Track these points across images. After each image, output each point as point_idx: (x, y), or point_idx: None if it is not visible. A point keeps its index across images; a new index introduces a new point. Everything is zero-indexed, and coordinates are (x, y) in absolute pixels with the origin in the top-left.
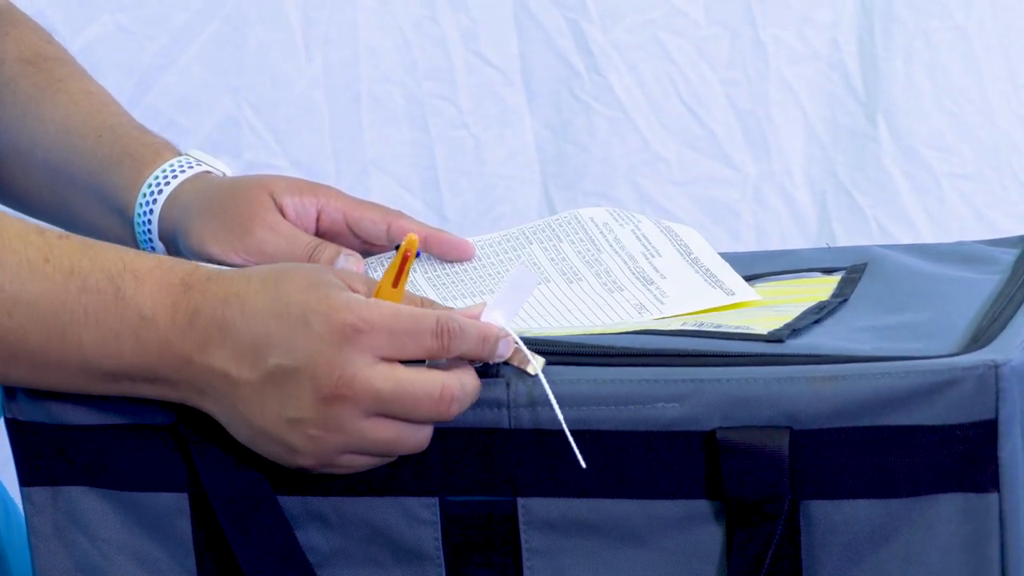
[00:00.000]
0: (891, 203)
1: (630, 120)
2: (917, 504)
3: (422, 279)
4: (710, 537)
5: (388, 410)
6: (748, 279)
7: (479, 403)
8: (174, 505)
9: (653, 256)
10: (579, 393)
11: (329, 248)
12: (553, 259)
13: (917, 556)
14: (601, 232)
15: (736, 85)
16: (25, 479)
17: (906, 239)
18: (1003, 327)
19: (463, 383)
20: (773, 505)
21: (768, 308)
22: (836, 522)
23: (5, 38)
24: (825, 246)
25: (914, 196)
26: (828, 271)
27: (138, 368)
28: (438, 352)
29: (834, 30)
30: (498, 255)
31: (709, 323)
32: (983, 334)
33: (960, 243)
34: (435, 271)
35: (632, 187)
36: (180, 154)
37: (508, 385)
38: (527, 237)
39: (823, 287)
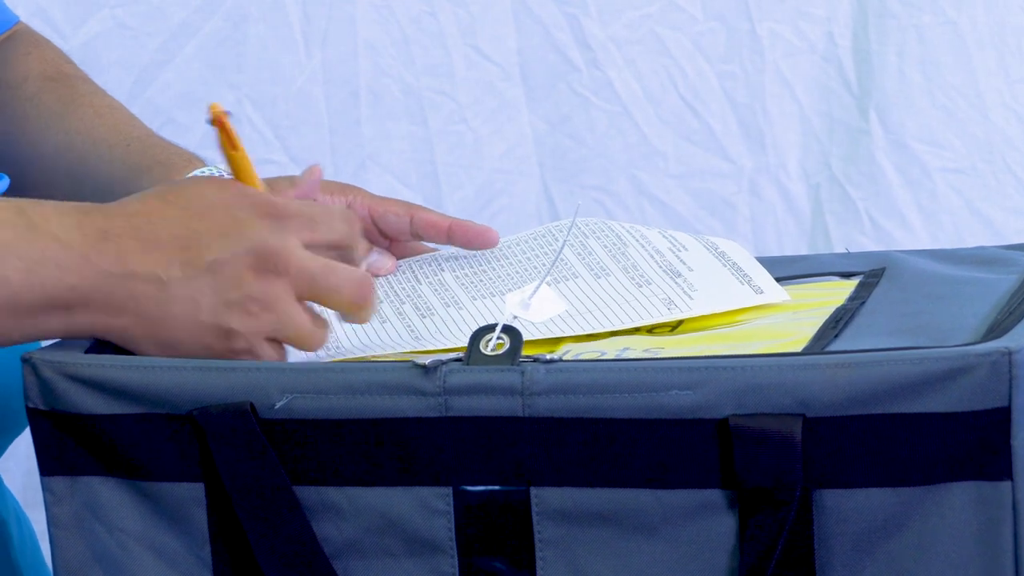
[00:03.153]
0: (883, 196)
1: (628, 114)
2: (930, 493)
3: (450, 278)
4: (723, 526)
5: (317, 290)
6: None
7: (493, 390)
8: (190, 495)
9: (680, 250)
10: (592, 381)
11: (363, 243)
12: (580, 254)
13: (930, 545)
14: (628, 231)
15: (732, 79)
16: (45, 469)
17: (898, 233)
18: (1019, 319)
19: (372, 280)
20: (785, 493)
21: (788, 316)
22: (848, 511)
23: (27, 57)
24: (844, 251)
25: (906, 190)
26: (846, 275)
27: (60, 293)
28: (347, 237)
29: (829, 24)
30: (524, 252)
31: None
32: (998, 326)
33: (980, 248)
34: (463, 269)
35: (630, 181)
36: (209, 165)
37: (523, 373)
38: (553, 235)
39: (841, 291)
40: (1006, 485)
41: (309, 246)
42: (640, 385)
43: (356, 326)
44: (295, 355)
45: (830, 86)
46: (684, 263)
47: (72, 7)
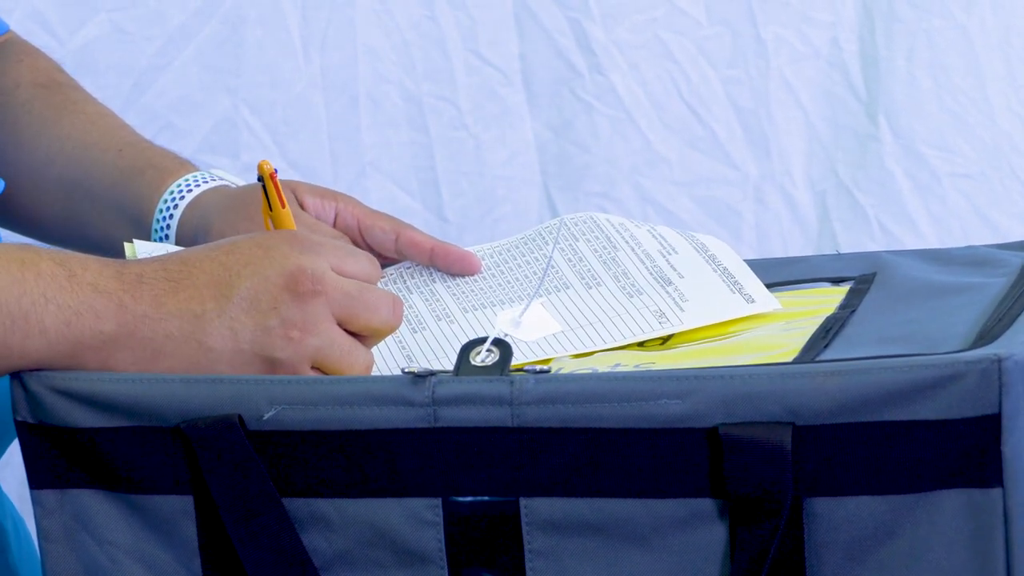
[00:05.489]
0: (892, 203)
1: (632, 120)
2: (921, 500)
3: (442, 288)
4: (714, 535)
5: (355, 308)
6: None
7: (482, 401)
8: (179, 507)
9: (670, 253)
10: (581, 391)
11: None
12: (571, 260)
13: (921, 552)
14: (617, 231)
15: (737, 84)
16: (34, 482)
17: (908, 238)
18: (1008, 326)
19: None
20: (775, 501)
21: (778, 327)
22: (839, 519)
23: (19, 65)
24: (835, 252)
25: (915, 195)
26: (837, 281)
27: (97, 339)
28: (372, 277)
29: (835, 29)
30: (516, 259)
31: None
32: (988, 332)
33: (970, 247)
34: (454, 279)
35: (634, 188)
36: (202, 170)
37: (512, 383)
38: (543, 238)
39: (831, 298)
40: (997, 492)
41: (341, 274)
42: (629, 395)
43: None
44: None
45: (835, 91)
46: (675, 268)
47: (69, 11)
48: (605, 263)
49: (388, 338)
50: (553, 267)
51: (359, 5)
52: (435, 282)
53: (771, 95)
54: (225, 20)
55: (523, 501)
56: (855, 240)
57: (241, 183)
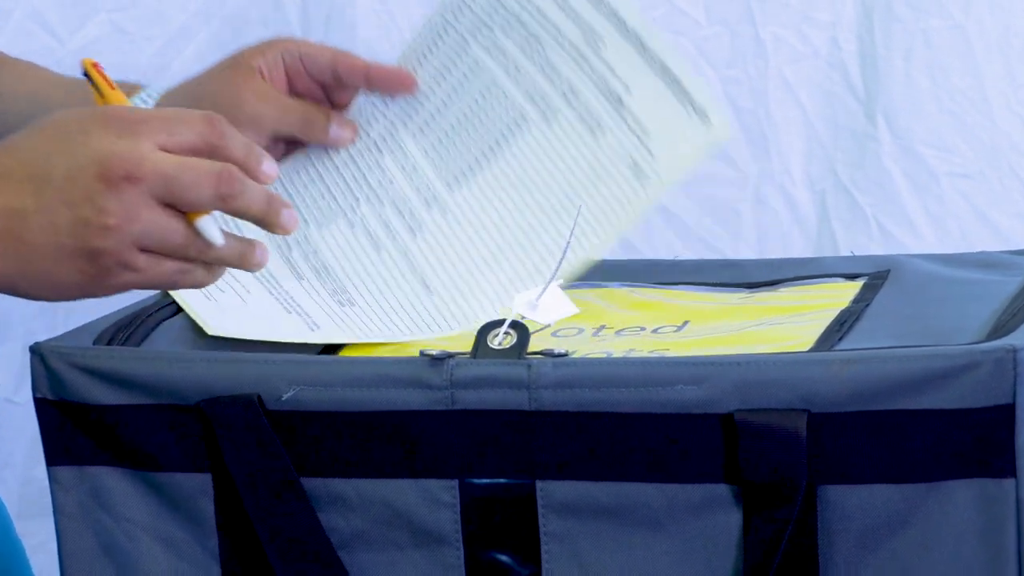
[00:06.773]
0: (891, 202)
1: None
2: (933, 490)
3: (416, 151)
4: (728, 521)
5: (175, 189)
6: (773, 283)
7: (500, 384)
8: (198, 486)
9: (600, 48)
10: (599, 375)
11: (241, 141)
12: (508, 72)
13: (933, 542)
14: (522, 6)
15: (736, 84)
16: (51, 458)
17: (906, 238)
18: (1022, 321)
19: (239, 173)
20: (789, 488)
21: (793, 318)
22: (852, 507)
23: None
24: (850, 254)
25: (914, 195)
26: (851, 277)
27: None
28: (210, 137)
29: (834, 29)
30: (443, 62)
31: None
32: (1002, 327)
33: (983, 252)
34: (428, 140)
35: None
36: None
37: (530, 367)
38: (460, 33)
39: (845, 293)
40: (1010, 483)
41: (167, 150)
42: (646, 380)
43: (358, 257)
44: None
45: (834, 91)
46: (614, 73)
47: (69, 11)
48: (549, 79)
49: (393, 249)
50: (497, 90)
51: (359, 5)
52: (409, 146)
53: (770, 95)
54: (226, 20)
55: (539, 484)
56: (854, 240)
57: None
